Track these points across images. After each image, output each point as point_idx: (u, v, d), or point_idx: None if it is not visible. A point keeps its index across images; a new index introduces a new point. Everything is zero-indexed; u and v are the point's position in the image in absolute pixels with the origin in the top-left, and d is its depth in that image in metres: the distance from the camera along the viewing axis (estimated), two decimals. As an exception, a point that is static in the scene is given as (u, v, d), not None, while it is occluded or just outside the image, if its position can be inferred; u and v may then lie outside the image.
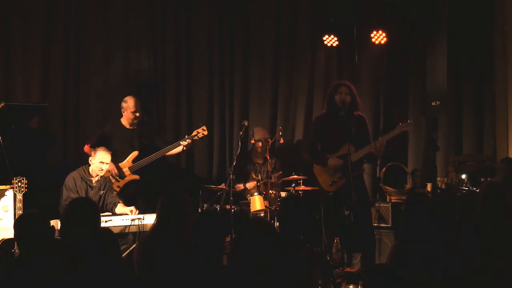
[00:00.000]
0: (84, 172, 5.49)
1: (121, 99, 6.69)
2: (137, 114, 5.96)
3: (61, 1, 6.76)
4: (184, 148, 5.96)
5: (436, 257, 3.28)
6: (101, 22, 6.86)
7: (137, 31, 6.98)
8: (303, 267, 3.24)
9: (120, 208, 5.47)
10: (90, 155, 5.62)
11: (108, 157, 5.49)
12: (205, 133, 6.06)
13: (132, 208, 5.33)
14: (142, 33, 7.00)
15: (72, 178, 5.45)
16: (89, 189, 5.48)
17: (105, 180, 5.62)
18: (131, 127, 6.01)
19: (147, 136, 6.09)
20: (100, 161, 5.43)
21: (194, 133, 6.02)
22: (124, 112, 5.99)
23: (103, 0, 6.89)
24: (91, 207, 3.38)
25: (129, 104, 5.95)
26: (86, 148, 5.83)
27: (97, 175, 5.49)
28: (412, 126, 6.39)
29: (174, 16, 7.10)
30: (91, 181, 5.49)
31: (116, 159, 5.86)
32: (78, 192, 5.41)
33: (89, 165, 5.49)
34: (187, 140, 5.92)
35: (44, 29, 6.66)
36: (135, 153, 5.91)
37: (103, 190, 5.57)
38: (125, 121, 6.01)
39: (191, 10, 7.10)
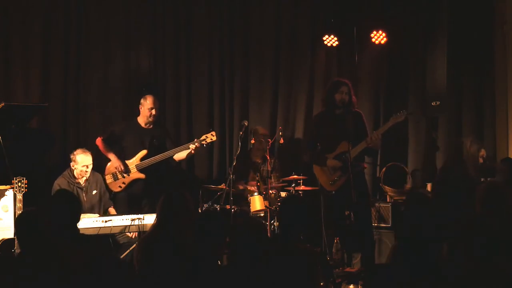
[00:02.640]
0: (70, 176, 5.52)
1: (121, 99, 6.72)
2: (153, 112, 5.91)
3: (61, 1, 6.76)
4: (192, 151, 5.90)
5: (436, 256, 3.29)
6: (101, 22, 6.86)
7: (137, 30, 6.98)
8: (303, 267, 3.24)
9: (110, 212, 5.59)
10: (101, 149, 5.75)
11: (89, 158, 5.55)
12: (214, 138, 5.94)
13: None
14: (142, 33, 7.00)
15: (58, 185, 5.49)
16: (80, 191, 5.50)
17: (95, 177, 5.63)
18: (146, 126, 5.99)
19: (160, 137, 6.06)
20: (82, 165, 5.51)
21: (203, 137, 5.93)
22: (141, 108, 5.97)
23: (103, 0, 6.89)
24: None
25: (147, 100, 5.92)
26: (98, 140, 5.85)
27: (83, 177, 5.51)
28: (411, 125, 6.40)
29: (174, 16, 7.10)
30: (79, 183, 5.51)
31: (124, 156, 5.87)
32: None
33: (73, 169, 5.52)
34: (196, 144, 5.88)
35: (44, 29, 6.66)
36: (143, 152, 5.89)
37: (96, 189, 5.57)
38: (141, 119, 5.98)
39: (191, 10, 7.10)
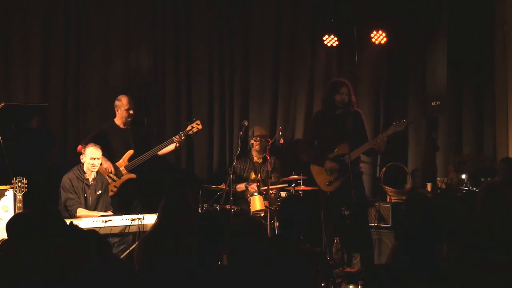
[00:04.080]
0: (79, 171, 5.52)
1: (121, 99, 6.71)
2: (131, 112, 5.96)
3: (61, 1, 6.75)
4: (177, 145, 5.93)
5: (435, 257, 3.29)
6: (101, 22, 6.85)
7: (137, 30, 6.98)
8: (303, 267, 3.24)
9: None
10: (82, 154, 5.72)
11: (99, 152, 5.51)
12: (199, 127, 6.03)
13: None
14: (142, 33, 7.00)
15: (68, 179, 5.47)
16: (86, 188, 5.51)
17: (102, 178, 5.63)
18: (125, 127, 6.02)
19: (140, 136, 6.09)
20: (90, 157, 5.47)
21: (189, 128, 6.01)
22: (117, 110, 6.00)
23: (103, 0, 6.89)
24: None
25: (122, 102, 5.97)
26: (80, 148, 5.83)
27: (92, 172, 5.52)
28: (411, 125, 6.38)
29: (174, 16, 7.10)
30: (87, 180, 5.51)
31: (112, 158, 5.87)
32: (76, 192, 5.43)
33: (83, 164, 5.52)
34: (181, 136, 5.91)
35: (44, 29, 6.65)
36: (130, 152, 5.92)
37: (101, 190, 5.58)
38: (118, 120, 6.02)
39: (191, 10, 7.09)
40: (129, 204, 5.85)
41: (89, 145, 5.52)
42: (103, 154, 5.80)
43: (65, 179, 5.47)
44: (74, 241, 3.22)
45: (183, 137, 5.94)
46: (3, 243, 4.74)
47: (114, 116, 6.08)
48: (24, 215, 3.32)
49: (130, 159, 5.91)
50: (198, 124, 6.02)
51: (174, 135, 6.00)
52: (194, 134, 6.12)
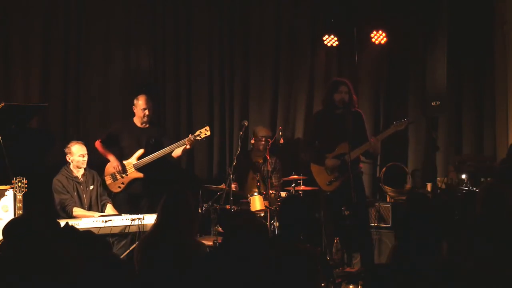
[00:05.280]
0: (67, 171, 5.59)
1: (121, 99, 6.75)
2: (147, 112, 5.93)
3: (61, 1, 6.75)
4: (188, 146, 5.87)
5: (435, 257, 3.29)
6: (101, 22, 6.85)
7: (137, 30, 6.98)
8: (303, 268, 3.24)
9: (109, 209, 5.60)
10: (100, 151, 5.83)
11: (84, 148, 5.63)
12: (208, 133, 5.96)
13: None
14: (142, 33, 7.00)
15: (58, 181, 5.55)
16: (77, 185, 5.56)
17: (91, 173, 5.67)
18: (142, 126, 6.01)
19: (156, 136, 6.07)
20: (79, 155, 5.59)
21: (197, 132, 5.97)
22: (135, 109, 6.00)
23: (103, 0, 6.89)
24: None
25: (140, 101, 5.96)
26: (97, 143, 5.89)
27: (80, 169, 5.60)
28: (411, 125, 6.38)
29: (174, 16, 7.10)
30: (77, 177, 5.57)
31: (122, 156, 5.89)
32: (68, 192, 5.48)
33: (69, 163, 5.59)
34: (191, 139, 5.88)
35: (44, 29, 6.66)
36: (141, 151, 5.91)
37: (92, 184, 5.62)
38: (136, 119, 6.02)
39: (191, 10, 7.10)
40: (136, 203, 5.85)
41: (73, 144, 5.62)
42: (114, 153, 5.82)
43: (55, 181, 5.54)
44: (72, 241, 3.23)
45: (192, 140, 5.88)
46: (2, 244, 4.74)
47: (132, 114, 6.06)
48: (20, 220, 3.31)
49: (140, 157, 5.90)
50: (207, 130, 5.93)
51: (183, 138, 5.96)
52: (201, 140, 6.03)
